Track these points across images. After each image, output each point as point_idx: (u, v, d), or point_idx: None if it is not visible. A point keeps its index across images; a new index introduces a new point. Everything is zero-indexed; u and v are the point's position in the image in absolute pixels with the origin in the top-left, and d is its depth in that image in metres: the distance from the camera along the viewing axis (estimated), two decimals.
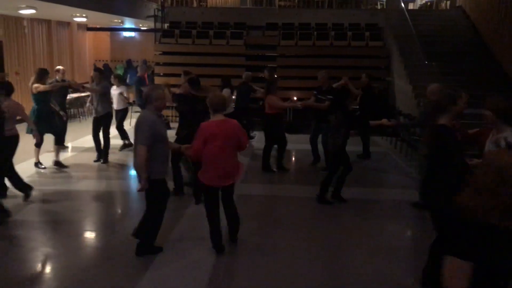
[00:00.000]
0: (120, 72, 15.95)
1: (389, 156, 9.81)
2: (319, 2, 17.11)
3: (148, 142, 4.47)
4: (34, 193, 6.57)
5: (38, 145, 7.71)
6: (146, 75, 11.19)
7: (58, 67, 9.02)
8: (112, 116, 8.83)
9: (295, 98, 10.77)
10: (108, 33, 18.36)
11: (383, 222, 6.04)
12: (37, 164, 8.08)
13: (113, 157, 8.86)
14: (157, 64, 14.27)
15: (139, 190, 4.63)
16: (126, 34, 18.63)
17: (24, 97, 11.48)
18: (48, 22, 14.56)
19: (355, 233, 5.67)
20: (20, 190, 6.46)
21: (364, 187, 7.51)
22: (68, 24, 15.72)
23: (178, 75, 12.88)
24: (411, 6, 17.93)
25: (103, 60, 17.98)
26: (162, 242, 5.08)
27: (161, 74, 13.61)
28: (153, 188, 4.60)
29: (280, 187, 7.65)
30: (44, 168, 8.07)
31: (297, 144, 10.09)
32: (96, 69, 9.27)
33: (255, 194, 7.11)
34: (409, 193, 6.92)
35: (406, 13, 13.70)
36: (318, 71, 8.76)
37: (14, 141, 6.33)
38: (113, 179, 7.99)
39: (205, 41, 14.17)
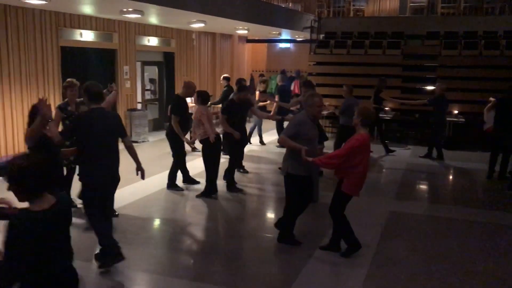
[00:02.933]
0: (274, 82, 16.53)
1: None
2: (489, 8, 15.67)
3: (289, 135, 5.05)
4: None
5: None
6: (297, 85, 11.45)
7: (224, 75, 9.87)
8: None
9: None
10: (266, 44, 19.18)
11: None
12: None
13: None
14: (310, 74, 14.46)
15: None
16: (282, 45, 19.26)
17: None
18: (213, 34, 15.77)
19: None
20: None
21: None
22: (230, 37, 16.82)
23: (331, 85, 13.00)
24: None
25: (259, 71, 18.84)
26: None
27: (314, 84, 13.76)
28: (292, 183, 5.18)
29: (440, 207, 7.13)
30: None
31: (458, 162, 9.35)
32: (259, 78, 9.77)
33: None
34: None
35: None
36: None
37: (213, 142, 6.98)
38: None
39: (360, 51, 13.94)
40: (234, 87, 9.38)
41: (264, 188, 8.03)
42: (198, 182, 7.69)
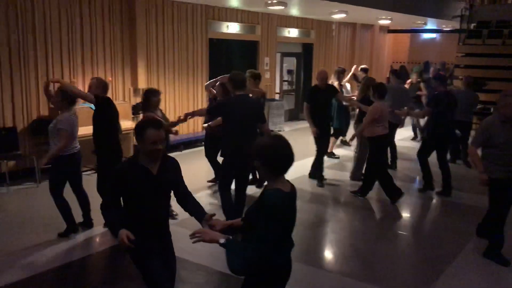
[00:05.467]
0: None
1: None
2: None
3: (478, 144, 4.76)
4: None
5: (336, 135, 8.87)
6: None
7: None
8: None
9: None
10: (408, 34, 18.25)
11: None
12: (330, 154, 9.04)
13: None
14: (457, 66, 13.42)
15: None
16: (426, 35, 18.15)
17: None
18: (353, 25, 15.45)
19: None
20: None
21: None
22: (371, 27, 16.33)
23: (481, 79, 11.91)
24: None
25: (400, 62, 18.00)
26: None
27: (459, 77, 12.74)
28: (493, 188, 4.74)
29: None
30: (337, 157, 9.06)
31: None
32: (393, 70, 9.25)
33: None
34: None
35: None
36: None
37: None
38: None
39: None
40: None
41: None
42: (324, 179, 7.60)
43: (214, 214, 2.96)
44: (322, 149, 7.44)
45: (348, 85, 10.12)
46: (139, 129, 3.03)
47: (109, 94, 8.44)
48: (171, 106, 9.71)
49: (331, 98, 7.54)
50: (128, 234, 2.81)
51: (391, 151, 8.38)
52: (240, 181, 5.40)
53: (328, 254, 5.19)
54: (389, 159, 8.30)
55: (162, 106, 9.49)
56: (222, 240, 2.53)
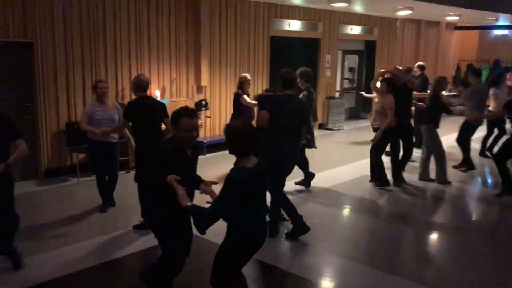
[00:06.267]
0: (485, 73, 14.97)
1: None
2: None
3: None
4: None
5: None
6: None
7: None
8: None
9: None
10: (477, 31, 17.41)
11: None
12: None
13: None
14: None
15: None
16: (497, 32, 17.23)
17: None
18: (418, 22, 14.96)
19: None
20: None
21: None
22: (437, 24, 15.74)
23: None
24: None
25: (468, 60, 17.24)
26: None
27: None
28: None
29: None
30: None
31: None
32: (472, 69, 8.86)
33: None
34: None
35: None
36: None
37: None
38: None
39: None
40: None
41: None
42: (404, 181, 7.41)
43: (215, 182, 3.42)
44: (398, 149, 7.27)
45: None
46: (174, 117, 3.37)
47: (173, 92, 8.83)
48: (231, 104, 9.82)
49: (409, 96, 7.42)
50: (174, 176, 3.16)
51: (465, 153, 8.20)
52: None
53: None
54: (466, 161, 8.19)
55: (223, 104, 9.71)
56: (185, 204, 3.06)
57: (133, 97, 5.72)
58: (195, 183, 3.47)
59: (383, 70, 7.53)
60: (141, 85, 5.30)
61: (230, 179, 2.99)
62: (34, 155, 7.24)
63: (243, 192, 3.01)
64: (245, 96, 7.25)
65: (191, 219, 3.38)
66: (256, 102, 7.21)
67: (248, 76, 7.49)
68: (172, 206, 3.23)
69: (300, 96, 6.46)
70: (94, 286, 4.25)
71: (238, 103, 7.27)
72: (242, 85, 7.33)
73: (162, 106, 5.38)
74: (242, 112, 7.22)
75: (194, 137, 3.37)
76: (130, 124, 5.34)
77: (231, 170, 3.05)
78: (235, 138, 3.07)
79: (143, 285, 3.81)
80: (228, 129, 3.13)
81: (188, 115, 3.32)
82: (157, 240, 3.61)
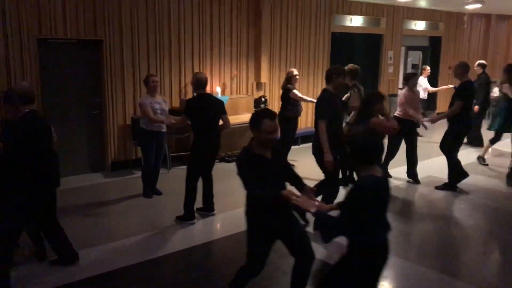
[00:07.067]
0: None
1: None
2: None
3: None
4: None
5: (493, 141, 8.22)
6: None
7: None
8: None
9: None
10: None
11: None
12: (480, 159, 8.45)
13: None
14: None
15: None
16: None
17: None
18: (487, 16, 14.23)
19: None
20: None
21: None
22: (508, 18, 14.91)
23: None
24: None
25: None
26: None
27: None
28: None
29: None
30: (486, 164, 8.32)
31: None
32: None
33: None
34: None
35: None
36: None
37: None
38: None
39: None
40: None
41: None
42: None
43: (314, 189, 3.27)
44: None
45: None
46: (255, 119, 3.23)
47: (233, 88, 8.92)
48: None
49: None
50: (290, 191, 3.12)
51: None
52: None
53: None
54: None
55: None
56: (313, 210, 2.90)
57: (192, 95, 5.90)
58: (297, 182, 3.47)
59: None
60: (200, 83, 5.42)
61: (359, 188, 2.79)
62: (102, 148, 7.57)
63: (373, 202, 2.77)
64: (295, 91, 7.43)
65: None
66: (305, 97, 7.74)
67: (295, 71, 7.64)
68: (268, 215, 3.23)
69: (348, 93, 6.46)
70: (143, 281, 4.33)
71: (287, 97, 7.48)
72: (290, 80, 7.50)
73: (220, 103, 5.54)
74: (290, 106, 7.51)
75: (274, 139, 3.26)
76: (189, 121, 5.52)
77: (359, 179, 2.85)
78: (362, 146, 2.80)
79: (187, 283, 3.85)
80: (352, 137, 2.89)
81: (270, 117, 3.22)
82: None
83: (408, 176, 7.24)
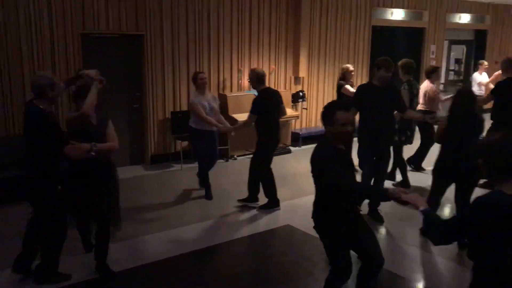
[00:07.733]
0: None
1: None
2: None
3: None
4: None
5: None
6: None
7: None
8: None
9: None
10: None
11: None
12: None
13: None
14: None
15: None
16: None
17: None
18: None
19: None
20: None
21: None
22: None
23: None
24: None
25: None
26: None
27: None
28: None
29: None
30: None
31: None
32: None
33: None
34: None
35: None
36: None
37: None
38: None
39: None
40: None
41: None
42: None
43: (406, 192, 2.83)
44: None
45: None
46: (328, 111, 3.07)
47: (271, 83, 8.88)
48: (329, 95, 9.68)
49: None
50: (400, 189, 2.83)
51: None
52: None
53: None
54: None
55: (320, 96, 9.59)
56: (422, 208, 2.51)
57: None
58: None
59: None
60: (260, 78, 5.64)
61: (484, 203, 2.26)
62: (142, 142, 7.69)
63: (503, 224, 2.22)
64: (347, 86, 7.30)
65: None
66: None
67: (351, 67, 7.53)
68: (341, 214, 3.10)
69: (401, 88, 6.26)
70: (193, 270, 4.39)
71: (340, 92, 7.40)
72: (344, 75, 7.43)
73: (280, 94, 5.87)
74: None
75: (349, 132, 3.03)
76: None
77: (488, 193, 2.31)
78: (500, 154, 2.26)
79: (243, 273, 3.84)
80: (487, 144, 2.36)
81: (344, 108, 3.01)
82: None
83: (408, 162, 7.01)
